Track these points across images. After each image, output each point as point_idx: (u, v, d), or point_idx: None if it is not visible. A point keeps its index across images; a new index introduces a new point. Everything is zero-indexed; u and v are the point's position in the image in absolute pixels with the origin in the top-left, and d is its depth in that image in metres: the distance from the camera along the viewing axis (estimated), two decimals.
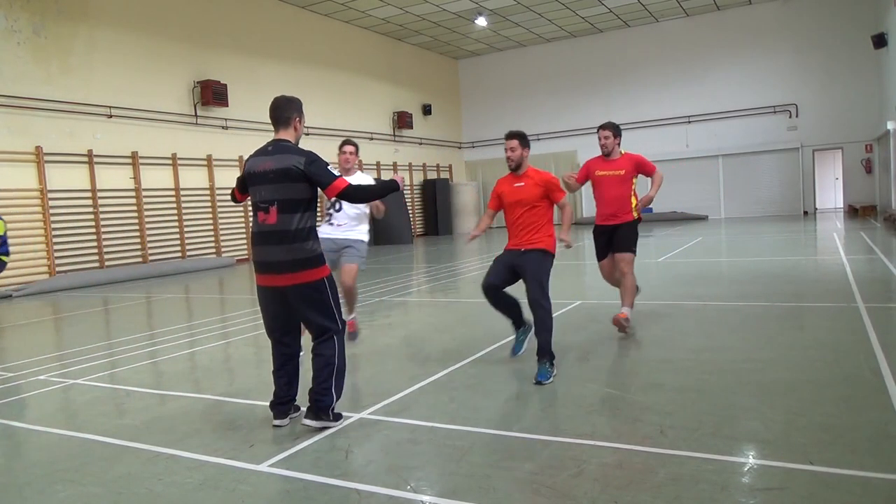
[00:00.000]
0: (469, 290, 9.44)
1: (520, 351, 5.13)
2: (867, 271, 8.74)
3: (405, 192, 22.33)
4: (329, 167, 3.73)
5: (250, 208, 4.67)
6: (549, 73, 26.04)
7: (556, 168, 26.27)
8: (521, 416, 3.85)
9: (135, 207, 14.74)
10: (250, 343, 6.51)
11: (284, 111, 3.84)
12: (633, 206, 5.82)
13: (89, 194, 13.88)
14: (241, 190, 4.02)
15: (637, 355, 5.10)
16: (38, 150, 12.96)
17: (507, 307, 5.07)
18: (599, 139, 5.82)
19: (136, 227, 14.78)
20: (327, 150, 8.09)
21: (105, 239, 14.08)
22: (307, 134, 4.35)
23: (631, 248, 5.77)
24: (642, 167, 5.81)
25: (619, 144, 5.86)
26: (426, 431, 3.64)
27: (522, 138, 5.03)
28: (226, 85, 16.57)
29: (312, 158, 3.69)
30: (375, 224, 20.50)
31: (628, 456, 3.13)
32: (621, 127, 6.09)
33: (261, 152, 3.80)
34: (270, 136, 3.93)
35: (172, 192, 15.62)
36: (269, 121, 3.92)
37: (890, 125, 17.17)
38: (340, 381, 3.81)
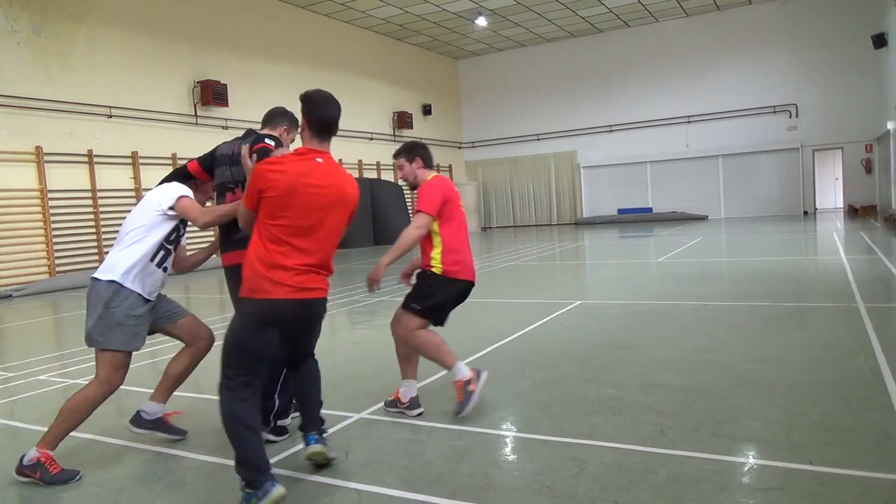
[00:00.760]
0: None
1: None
2: (867, 271, 8.74)
3: (405, 189, 22.26)
4: (248, 150, 3.44)
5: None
6: (549, 73, 26.04)
7: (555, 168, 26.38)
8: (521, 416, 3.85)
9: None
10: None
11: (276, 115, 3.80)
12: (437, 252, 3.90)
13: (89, 194, 13.89)
14: (209, 170, 3.82)
15: (637, 355, 5.09)
16: (38, 150, 12.96)
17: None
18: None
19: None
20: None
21: (105, 239, 14.06)
22: None
23: (409, 303, 3.90)
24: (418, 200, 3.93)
25: (425, 167, 4.03)
26: (426, 431, 3.64)
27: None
28: (226, 85, 16.58)
29: (252, 140, 3.55)
30: (376, 225, 20.48)
31: (628, 456, 3.13)
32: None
33: (235, 139, 3.77)
34: None
35: None
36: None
37: (890, 125, 17.17)
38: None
